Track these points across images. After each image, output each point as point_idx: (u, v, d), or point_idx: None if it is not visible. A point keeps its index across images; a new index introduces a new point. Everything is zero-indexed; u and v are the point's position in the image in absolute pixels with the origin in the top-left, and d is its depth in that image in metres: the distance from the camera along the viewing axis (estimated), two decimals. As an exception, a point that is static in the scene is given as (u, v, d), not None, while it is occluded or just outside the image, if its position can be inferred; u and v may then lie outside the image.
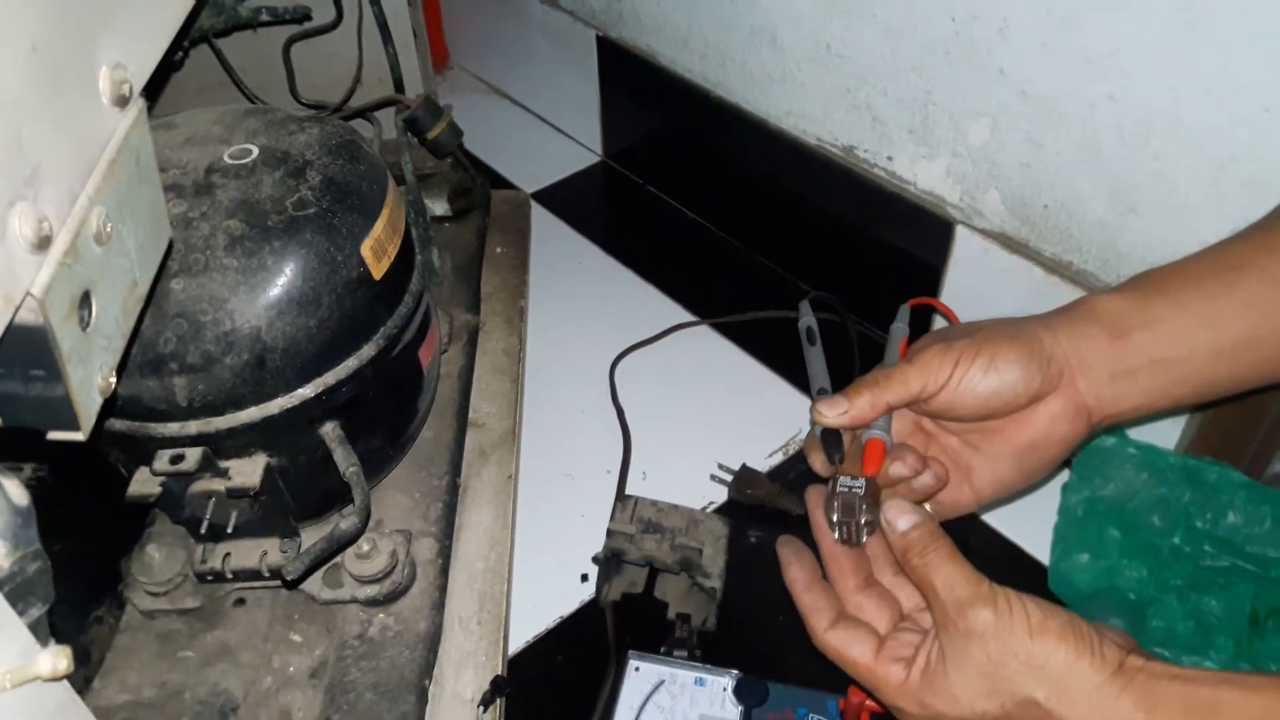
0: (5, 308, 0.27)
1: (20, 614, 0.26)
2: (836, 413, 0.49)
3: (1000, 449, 0.51)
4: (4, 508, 0.26)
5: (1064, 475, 0.66)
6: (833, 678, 0.57)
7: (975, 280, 0.73)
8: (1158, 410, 0.51)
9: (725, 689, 0.56)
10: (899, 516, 0.46)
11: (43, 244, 0.28)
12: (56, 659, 0.27)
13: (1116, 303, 0.49)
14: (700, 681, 0.56)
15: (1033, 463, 0.51)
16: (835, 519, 0.49)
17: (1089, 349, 0.48)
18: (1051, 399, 0.48)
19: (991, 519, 0.66)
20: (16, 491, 0.27)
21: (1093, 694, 0.39)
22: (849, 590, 0.48)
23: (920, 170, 0.73)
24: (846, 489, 0.48)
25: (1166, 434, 0.65)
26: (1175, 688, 0.39)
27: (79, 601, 0.56)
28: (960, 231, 0.72)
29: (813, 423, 0.51)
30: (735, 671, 0.57)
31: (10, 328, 0.27)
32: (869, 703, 0.54)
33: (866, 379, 0.49)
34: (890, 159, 0.75)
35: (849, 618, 0.47)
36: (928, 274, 0.76)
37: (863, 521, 0.48)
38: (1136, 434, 0.64)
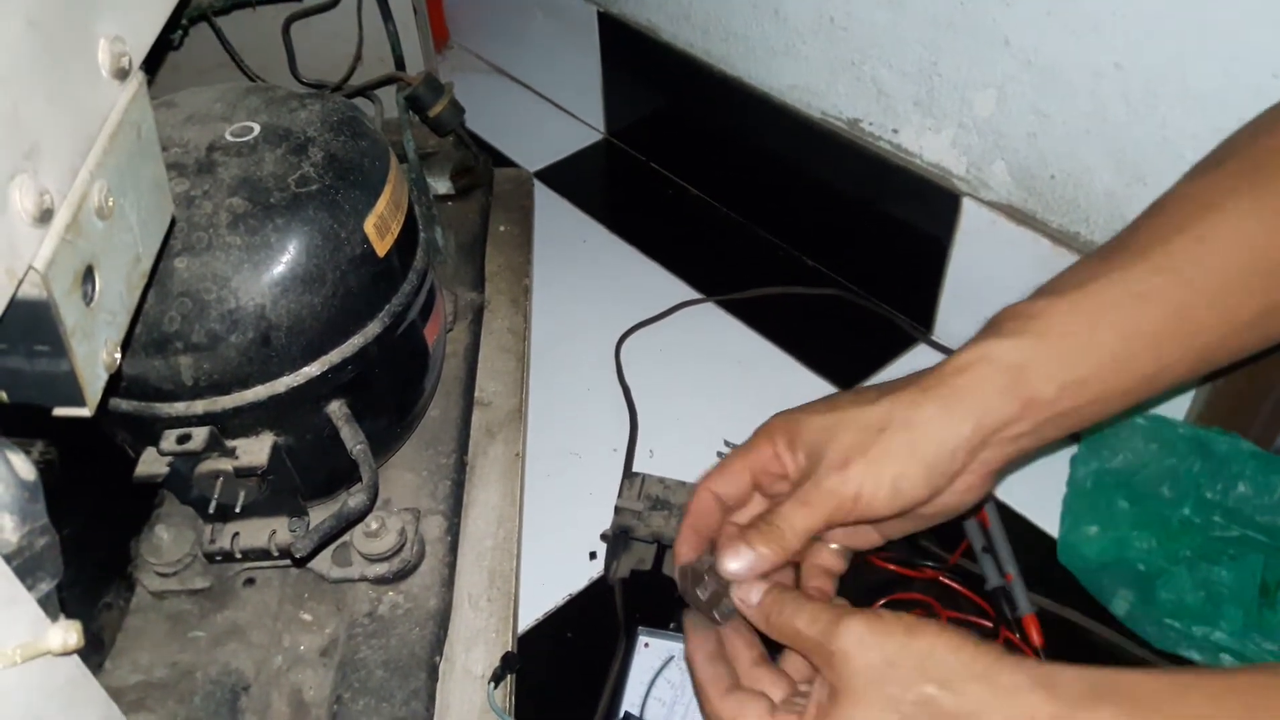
0: (8, 282, 0.26)
1: (30, 589, 0.26)
2: (743, 565, 0.45)
3: (908, 514, 0.48)
4: (11, 482, 0.26)
5: (1072, 447, 0.66)
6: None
7: (982, 252, 0.73)
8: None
9: (735, 663, 0.56)
10: (749, 592, 0.45)
11: (44, 217, 0.28)
12: (66, 633, 0.26)
13: (1017, 353, 0.45)
14: (710, 656, 0.56)
15: (941, 519, 0.49)
16: (683, 588, 0.48)
17: (992, 422, 0.45)
18: (959, 479, 0.46)
19: (999, 492, 0.66)
20: (23, 466, 0.26)
21: (985, 676, 0.38)
22: (743, 667, 0.46)
23: (926, 143, 0.73)
24: (701, 561, 0.47)
25: (1176, 404, 0.65)
26: (1072, 669, 0.38)
27: (89, 583, 0.56)
28: (967, 204, 0.71)
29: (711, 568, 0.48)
30: (745, 646, 0.57)
31: (13, 302, 0.27)
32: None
33: (769, 528, 0.45)
34: (896, 132, 0.74)
35: (744, 687, 0.45)
36: (934, 247, 0.75)
37: (707, 595, 0.46)
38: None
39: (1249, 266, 0.44)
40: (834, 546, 0.51)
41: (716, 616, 0.46)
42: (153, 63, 0.71)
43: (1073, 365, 0.44)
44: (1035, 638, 0.57)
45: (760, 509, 0.50)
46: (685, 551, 0.49)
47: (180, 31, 0.72)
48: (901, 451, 0.44)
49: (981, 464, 0.45)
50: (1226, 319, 0.45)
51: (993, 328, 0.46)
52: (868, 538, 0.51)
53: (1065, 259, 0.66)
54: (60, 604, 0.28)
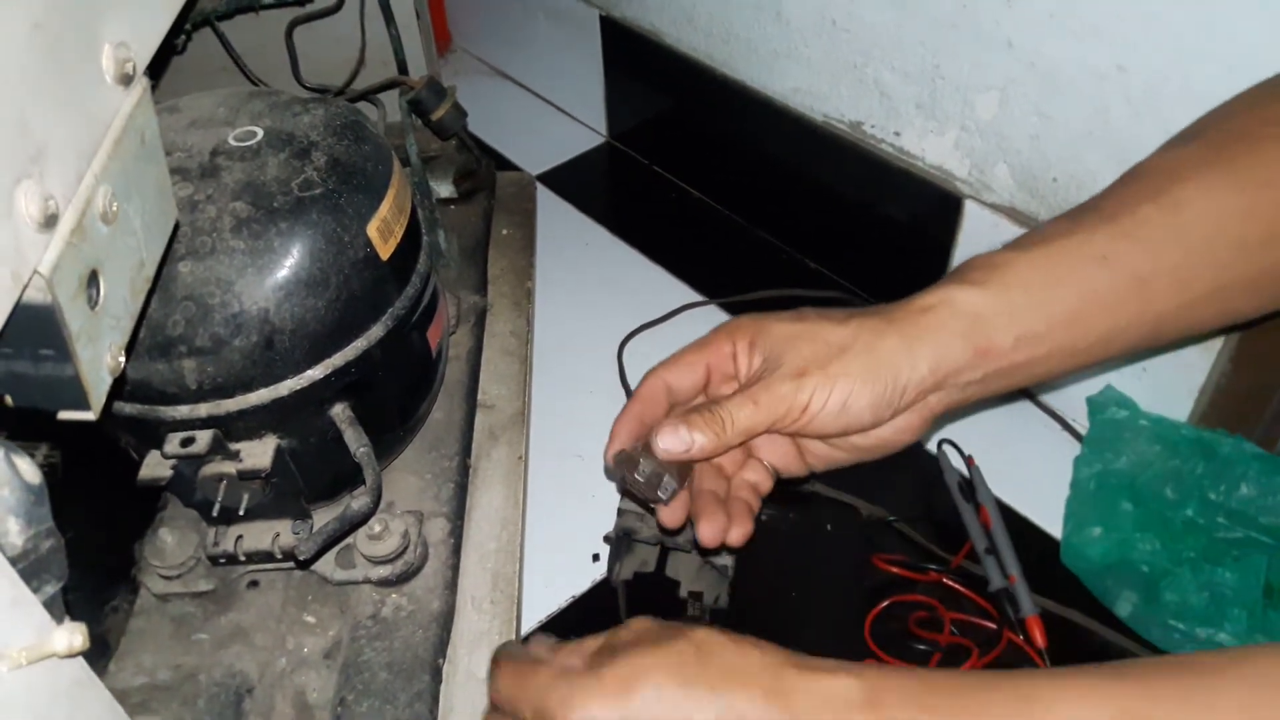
0: (13, 286, 0.26)
1: (35, 591, 0.26)
2: (680, 447, 0.46)
3: (841, 444, 0.49)
4: (17, 485, 0.26)
5: (1077, 448, 0.66)
6: (845, 652, 0.57)
7: (984, 255, 0.73)
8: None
9: (738, 665, 0.56)
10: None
11: (49, 222, 0.28)
12: (72, 635, 0.27)
13: (979, 302, 0.46)
14: (713, 658, 0.56)
15: (871, 455, 0.50)
16: (617, 480, 0.49)
17: (949, 366, 0.45)
18: (902, 415, 0.47)
19: (1002, 494, 0.66)
20: (28, 469, 0.27)
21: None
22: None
23: (929, 145, 0.73)
24: (634, 448, 0.48)
25: (1179, 406, 0.65)
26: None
27: (93, 586, 0.56)
28: (969, 206, 0.71)
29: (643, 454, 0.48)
30: (748, 648, 0.56)
31: (19, 306, 0.27)
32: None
33: (711, 416, 0.46)
34: (898, 134, 0.75)
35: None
36: (936, 250, 0.75)
37: (645, 477, 0.47)
38: (1149, 406, 0.64)
39: (1213, 240, 0.45)
40: (767, 464, 0.51)
41: (660, 495, 0.47)
42: (156, 67, 0.72)
43: (1029, 319, 0.45)
44: (1039, 639, 0.57)
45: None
46: (624, 434, 0.49)
47: (184, 36, 0.72)
48: (858, 373, 0.45)
49: (926, 406, 0.47)
50: (1183, 290, 0.46)
51: (959, 274, 0.47)
52: (796, 464, 0.51)
53: (1068, 261, 0.66)
54: (65, 606, 0.28)
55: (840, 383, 0.45)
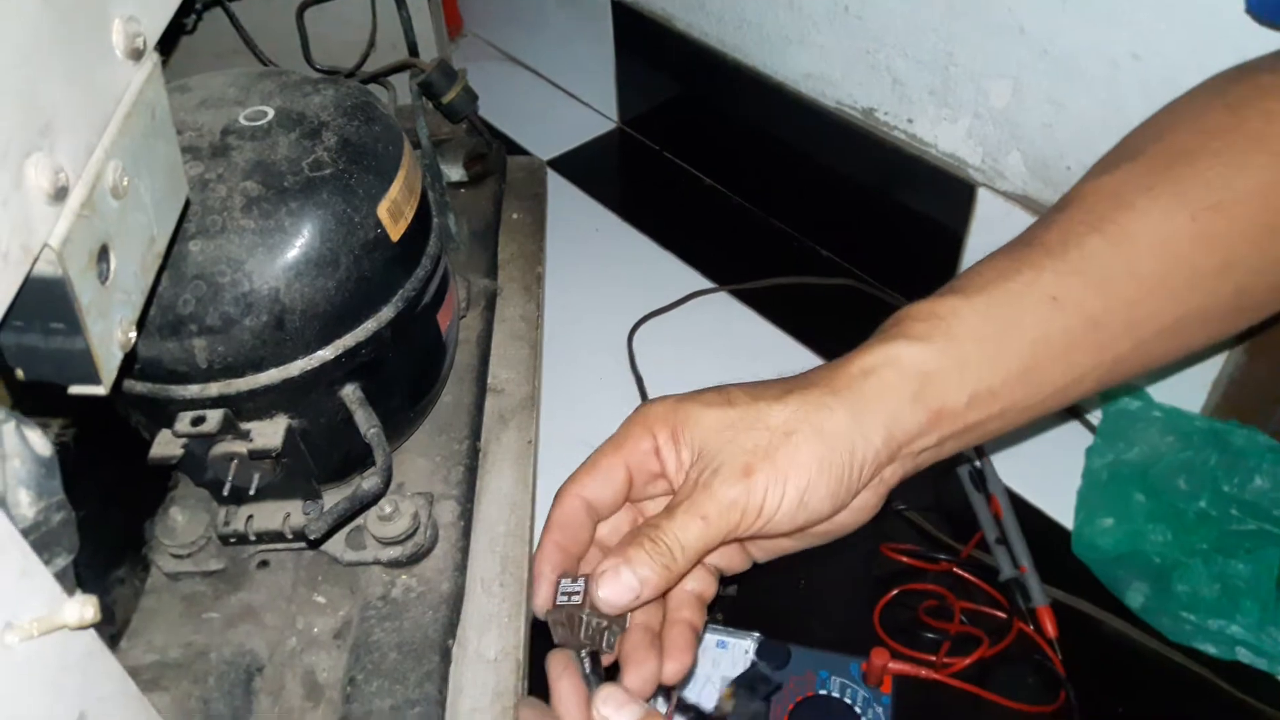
0: (24, 258, 0.26)
1: (46, 563, 0.26)
2: (627, 596, 0.39)
3: (799, 534, 0.44)
4: (27, 457, 0.26)
5: (1089, 438, 0.65)
6: (854, 641, 0.57)
7: (997, 243, 0.71)
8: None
9: (748, 652, 0.56)
10: (616, 712, 0.39)
11: (60, 195, 0.28)
12: (83, 608, 0.27)
13: (926, 359, 0.41)
14: (723, 645, 0.56)
15: (825, 540, 0.45)
16: (558, 640, 0.43)
17: (902, 434, 0.41)
18: (859, 495, 0.42)
19: (1014, 484, 0.65)
20: (39, 441, 0.27)
21: None
22: None
23: (941, 132, 0.72)
24: (567, 597, 0.42)
25: (1192, 397, 0.64)
26: None
27: (104, 565, 0.56)
28: (982, 194, 0.71)
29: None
30: (757, 635, 0.57)
31: (29, 279, 0.27)
32: (891, 665, 0.54)
33: (654, 545, 0.39)
34: (911, 121, 0.74)
35: None
36: (949, 238, 0.75)
37: (590, 633, 0.41)
38: (1162, 397, 0.64)
39: (1166, 273, 0.42)
40: (710, 566, 0.46)
41: (607, 648, 0.42)
42: (167, 47, 0.72)
43: (983, 374, 0.41)
44: (1050, 629, 0.57)
45: (629, 520, 0.46)
46: (548, 573, 0.44)
47: (194, 16, 0.72)
48: (810, 460, 0.40)
49: (882, 482, 0.42)
50: (1138, 329, 0.43)
51: (899, 328, 0.43)
52: (739, 560, 0.46)
53: (1081, 249, 0.66)
54: (77, 580, 0.28)
55: (794, 475, 0.39)
